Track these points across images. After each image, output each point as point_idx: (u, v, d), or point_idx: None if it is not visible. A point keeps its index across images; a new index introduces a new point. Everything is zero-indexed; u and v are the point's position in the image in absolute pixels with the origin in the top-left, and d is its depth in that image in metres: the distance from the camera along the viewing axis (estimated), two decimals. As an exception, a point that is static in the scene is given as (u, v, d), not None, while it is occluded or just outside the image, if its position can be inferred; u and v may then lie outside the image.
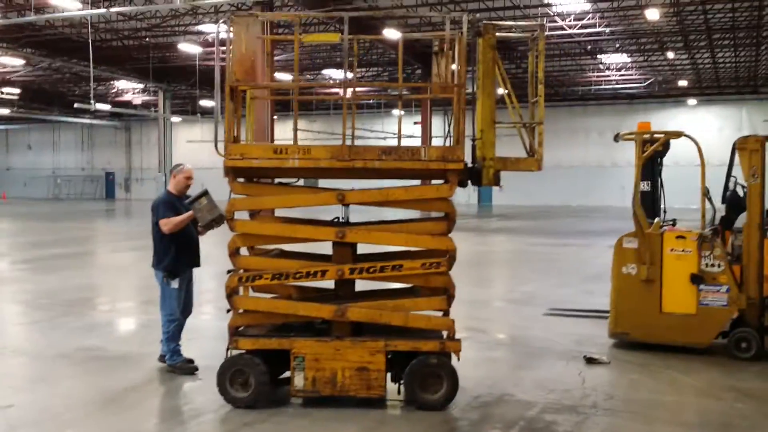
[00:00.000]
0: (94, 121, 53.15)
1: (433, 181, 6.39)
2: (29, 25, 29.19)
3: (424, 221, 6.57)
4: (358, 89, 7.33)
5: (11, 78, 42.59)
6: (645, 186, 8.34)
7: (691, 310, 7.80)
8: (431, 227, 6.31)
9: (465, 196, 44.63)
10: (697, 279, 7.77)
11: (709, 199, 8.33)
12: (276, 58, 27.27)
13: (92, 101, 29.98)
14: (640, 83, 41.95)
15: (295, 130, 7.22)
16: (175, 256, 7.08)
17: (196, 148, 46.22)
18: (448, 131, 6.39)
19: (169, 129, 46.62)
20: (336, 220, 6.48)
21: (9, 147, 64.41)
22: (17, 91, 45.37)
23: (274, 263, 6.33)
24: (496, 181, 6.23)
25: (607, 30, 29.23)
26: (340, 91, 7.15)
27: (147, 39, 33.44)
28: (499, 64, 6.23)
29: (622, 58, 35.15)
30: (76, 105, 31.46)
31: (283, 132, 39.26)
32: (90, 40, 26.89)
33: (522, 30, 7.97)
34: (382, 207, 6.63)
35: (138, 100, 50.73)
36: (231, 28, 6.20)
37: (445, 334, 6.17)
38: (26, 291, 12.67)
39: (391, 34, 27.81)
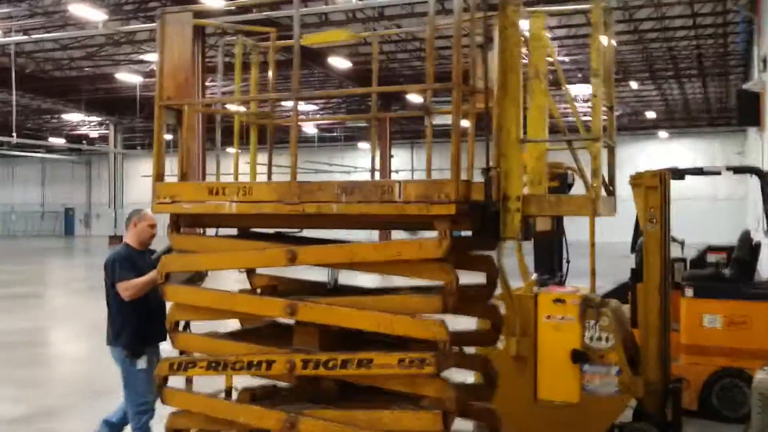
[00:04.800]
0: (49, 155, 51.40)
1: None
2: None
3: (407, 294, 4.30)
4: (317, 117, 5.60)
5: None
6: None
7: (573, 397, 5.51)
8: (416, 304, 4.07)
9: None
10: (579, 356, 5.47)
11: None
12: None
13: (14, 135, 28.32)
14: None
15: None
16: (138, 329, 5.35)
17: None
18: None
19: (120, 163, 45.13)
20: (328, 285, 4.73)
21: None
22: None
23: (215, 346, 4.55)
24: (526, 234, 4.10)
25: (567, 59, 27.93)
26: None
27: (87, 69, 31.87)
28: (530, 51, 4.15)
29: (586, 89, 33.90)
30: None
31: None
32: (13, 67, 25.28)
33: None
34: (352, 270, 4.52)
35: (95, 133, 49.08)
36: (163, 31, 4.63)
37: None
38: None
39: (337, 62, 26.53)
